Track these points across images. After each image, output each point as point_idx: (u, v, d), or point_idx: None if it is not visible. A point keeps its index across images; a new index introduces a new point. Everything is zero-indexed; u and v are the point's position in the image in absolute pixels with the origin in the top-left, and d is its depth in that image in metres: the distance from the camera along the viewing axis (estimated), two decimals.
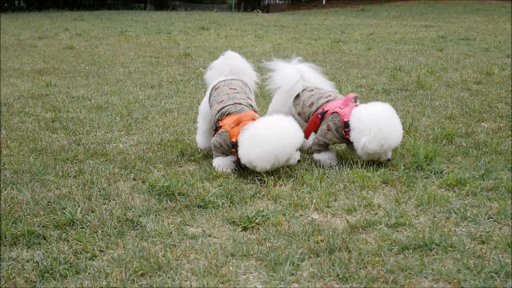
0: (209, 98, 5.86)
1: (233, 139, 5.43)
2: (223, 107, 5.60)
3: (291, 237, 4.24)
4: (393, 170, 5.58)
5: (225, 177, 5.33)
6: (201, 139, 6.05)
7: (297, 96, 6.05)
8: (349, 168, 5.60)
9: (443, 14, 26.95)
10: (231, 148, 5.45)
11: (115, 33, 17.76)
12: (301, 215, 4.65)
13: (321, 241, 4.17)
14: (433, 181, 5.34)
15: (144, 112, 7.71)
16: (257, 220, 4.49)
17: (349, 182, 5.27)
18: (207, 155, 5.92)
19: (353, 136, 5.67)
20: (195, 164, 5.78)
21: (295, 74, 6.10)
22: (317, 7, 36.09)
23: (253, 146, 5.23)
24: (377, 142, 5.54)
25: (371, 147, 5.56)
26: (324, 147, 5.84)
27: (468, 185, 5.17)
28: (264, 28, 19.77)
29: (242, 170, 5.58)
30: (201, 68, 11.05)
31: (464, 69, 11.06)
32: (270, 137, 5.25)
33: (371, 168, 5.62)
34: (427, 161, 5.73)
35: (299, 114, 5.98)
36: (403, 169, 5.58)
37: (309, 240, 4.18)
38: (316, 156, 5.86)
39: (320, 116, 5.81)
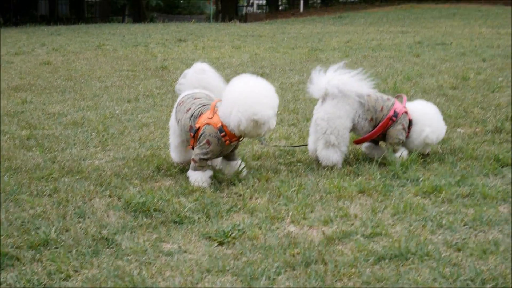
0: (176, 114, 5.85)
1: (218, 125, 5.43)
2: (194, 111, 5.62)
3: (267, 250, 4.23)
4: (369, 179, 5.58)
5: (201, 192, 5.31)
6: (174, 154, 6.03)
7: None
8: (325, 179, 5.60)
9: (420, 19, 27.06)
10: (220, 133, 5.44)
11: (92, 47, 17.70)
12: (278, 228, 4.64)
13: (297, 254, 4.16)
14: (409, 189, 5.35)
15: (120, 127, 7.67)
16: (233, 235, 4.47)
17: (325, 193, 5.26)
18: (183, 169, 5.89)
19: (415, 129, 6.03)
20: (171, 179, 5.75)
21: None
22: (295, 15, 36.16)
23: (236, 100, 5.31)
24: (437, 135, 6.08)
25: (432, 138, 6.04)
26: None
27: (444, 192, 5.19)
28: (241, 38, 19.77)
29: (219, 183, 5.56)
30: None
31: (440, 74, 11.11)
32: (252, 92, 5.35)
33: (348, 178, 5.63)
34: (403, 169, 5.74)
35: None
36: (380, 178, 5.59)
37: (285, 253, 4.17)
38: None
39: None
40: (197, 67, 6.14)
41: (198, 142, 5.54)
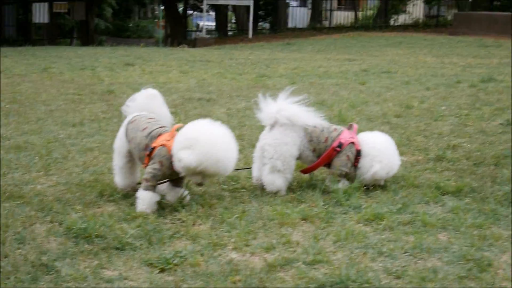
0: (126, 133, 5.85)
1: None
2: (152, 131, 5.65)
3: (208, 277, 4.23)
4: (312, 206, 5.62)
5: (144, 218, 5.28)
6: (118, 178, 6.00)
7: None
8: (268, 206, 5.63)
9: (366, 47, 27.38)
10: (171, 160, 5.42)
11: (38, 69, 17.52)
12: (220, 255, 4.64)
13: (238, 281, 4.17)
14: (352, 217, 5.40)
15: (64, 152, 7.61)
16: (175, 261, 4.47)
17: (268, 220, 5.28)
18: (126, 195, 5.87)
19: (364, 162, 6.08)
20: (114, 205, 5.71)
21: None
22: (244, 41, 36.29)
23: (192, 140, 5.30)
24: (387, 170, 6.10)
25: (381, 174, 6.06)
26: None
27: (385, 219, 5.25)
28: (189, 63, 19.77)
29: (162, 209, 5.54)
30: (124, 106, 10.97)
31: (385, 102, 11.25)
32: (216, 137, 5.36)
33: (291, 204, 5.66)
34: (346, 196, 5.79)
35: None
36: (322, 205, 5.63)
37: (226, 281, 4.17)
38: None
39: None
40: (148, 93, 6.16)
41: (152, 161, 5.54)
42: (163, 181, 5.64)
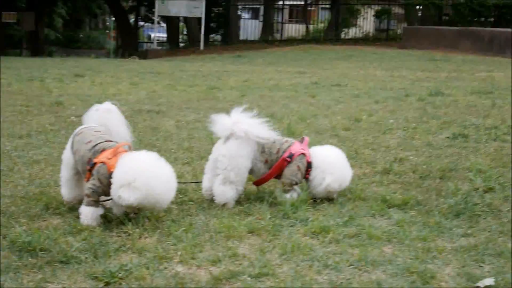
0: (72, 145, 5.81)
1: (112, 170, 5.36)
2: (95, 145, 5.58)
3: None
4: (259, 219, 5.63)
5: (90, 231, 5.24)
6: (65, 190, 5.94)
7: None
8: (215, 218, 5.62)
9: (317, 60, 27.56)
10: (109, 179, 5.38)
11: None
12: (166, 268, 4.62)
13: None
14: (298, 229, 5.42)
15: (10, 164, 7.51)
16: (120, 275, 4.44)
17: (215, 233, 5.28)
18: (73, 208, 5.81)
19: (315, 174, 6.12)
20: (60, 218, 5.65)
21: None
22: (195, 53, 36.28)
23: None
24: (339, 183, 6.17)
25: (334, 187, 6.10)
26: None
27: (331, 232, 5.28)
28: (140, 75, 19.70)
29: (108, 222, 5.51)
30: (72, 117, 10.89)
31: (334, 115, 11.33)
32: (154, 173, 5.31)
33: (238, 217, 5.67)
34: (293, 209, 5.82)
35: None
36: (270, 218, 5.65)
37: None
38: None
39: None
40: (104, 107, 6.12)
41: (92, 177, 5.50)
42: (107, 198, 5.58)
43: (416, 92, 14.74)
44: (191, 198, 6.31)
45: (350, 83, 17.19)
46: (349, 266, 4.66)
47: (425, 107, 12.22)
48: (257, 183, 6.35)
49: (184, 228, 5.34)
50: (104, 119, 6.06)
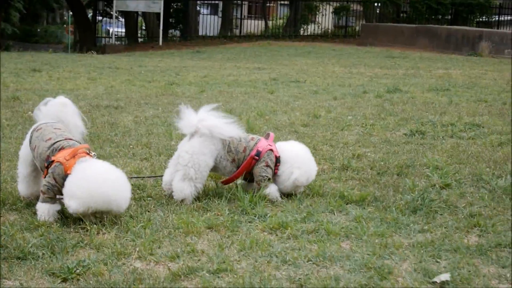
0: (30, 141, 5.75)
1: (68, 171, 5.31)
2: (55, 143, 5.51)
3: (111, 287, 4.19)
4: (218, 215, 5.64)
5: (47, 227, 5.20)
6: (22, 186, 5.89)
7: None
8: (174, 214, 5.61)
9: (276, 56, 27.61)
10: (64, 180, 5.33)
11: None
12: (124, 264, 4.61)
13: None
14: (257, 225, 5.44)
15: None
16: (77, 271, 4.41)
17: (174, 228, 5.27)
18: (30, 204, 5.76)
19: (284, 169, 6.20)
20: (17, 214, 5.60)
21: None
22: (154, 48, 36.13)
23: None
24: (307, 176, 6.24)
25: (301, 181, 6.17)
26: None
27: (289, 228, 5.30)
28: (98, 70, 19.56)
29: (66, 218, 5.47)
30: (29, 112, 10.76)
31: (292, 111, 11.36)
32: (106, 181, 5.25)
33: (197, 213, 5.67)
34: (251, 205, 5.83)
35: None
36: (228, 214, 5.65)
37: None
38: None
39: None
40: (59, 101, 6.04)
41: (48, 175, 5.45)
42: (61, 197, 5.53)
43: (374, 89, 14.85)
44: (149, 194, 6.29)
45: (308, 79, 17.26)
46: (307, 261, 4.68)
47: (383, 104, 12.32)
48: (226, 182, 6.35)
49: (142, 224, 5.33)
50: (60, 113, 6.00)
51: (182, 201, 5.99)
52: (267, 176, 6.18)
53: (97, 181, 5.20)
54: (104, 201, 5.20)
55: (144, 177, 6.75)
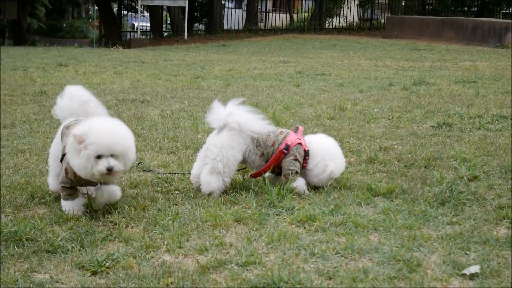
0: (62, 138, 5.76)
1: None
2: None
3: (141, 280, 4.21)
4: (245, 208, 5.64)
5: (76, 220, 5.24)
6: (52, 181, 5.92)
7: None
8: (202, 208, 5.63)
9: (301, 49, 27.57)
10: None
11: None
12: (152, 257, 4.63)
13: (171, 283, 4.17)
14: (285, 218, 5.44)
15: None
16: (107, 264, 4.44)
17: (202, 222, 5.28)
18: (59, 197, 5.78)
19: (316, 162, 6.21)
20: (46, 207, 5.64)
21: None
22: (179, 42, 36.20)
23: None
24: (339, 169, 6.30)
25: (336, 173, 6.22)
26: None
27: (317, 221, 5.29)
28: (124, 64, 19.65)
29: (94, 212, 5.50)
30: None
31: (318, 104, 11.34)
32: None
33: (224, 206, 5.67)
34: (279, 198, 5.83)
35: None
36: (256, 207, 5.66)
37: (159, 283, 4.17)
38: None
39: None
40: (82, 98, 6.01)
41: (62, 169, 5.49)
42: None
43: (400, 81, 14.78)
44: (177, 187, 6.31)
45: (334, 72, 17.22)
46: (335, 254, 4.67)
47: (409, 96, 12.26)
48: (254, 175, 6.36)
49: (170, 217, 5.34)
50: (84, 109, 5.97)
51: (209, 194, 6.00)
52: (295, 170, 6.17)
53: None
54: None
55: (171, 173, 6.77)
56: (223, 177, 6.03)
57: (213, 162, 6.01)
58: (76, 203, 5.46)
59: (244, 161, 6.21)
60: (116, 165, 5.16)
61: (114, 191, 5.57)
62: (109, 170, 5.15)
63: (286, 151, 6.15)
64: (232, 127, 6.04)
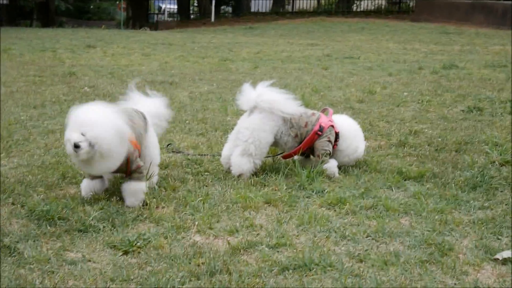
0: None
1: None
2: None
3: (172, 260, 4.23)
4: (275, 190, 5.64)
5: (107, 200, 5.26)
6: None
7: None
8: (232, 189, 5.63)
9: (329, 32, 27.46)
10: None
11: None
12: (183, 238, 4.64)
13: (202, 263, 4.17)
14: (315, 201, 5.43)
15: (25, 134, 7.53)
16: (138, 244, 4.45)
17: (232, 203, 5.28)
18: None
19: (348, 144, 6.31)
20: (77, 187, 5.66)
21: None
22: (206, 25, 36.17)
23: None
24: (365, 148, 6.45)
25: (362, 154, 6.42)
26: None
27: (348, 204, 5.28)
28: (151, 46, 19.68)
29: None
30: (85, 88, 10.91)
31: (347, 87, 11.30)
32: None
33: (254, 188, 5.67)
34: (309, 181, 5.81)
35: None
36: (286, 189, 5.65)
37: (190, 263, 4.17)
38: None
39: None
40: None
41: None
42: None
43: (429, 65, 14.68)
44: (206, 169, 6.31)
45: (362, 55, 17.14)
46: (366, 237, 4.66)
47: (439, 80, 12.17)
48: (286, 156, 6.34)
49: (200, 198, 5.35)
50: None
51: (239, 176, 5.99)
52: (328, 150, 6.16)
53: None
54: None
55: (201, 154, 6.77)
56: (254, 159, 6.02)
57: (244, 144, 6.00)
58: (92, 184, 5.42)
59: (275, 143, 6.19)
60: (82, 145, 4.94)
61: (136, 190, 5.32)
62: (76, 147, 4.96)
63: (320, 133, 6.13)
64: (263, 108, 6.02)
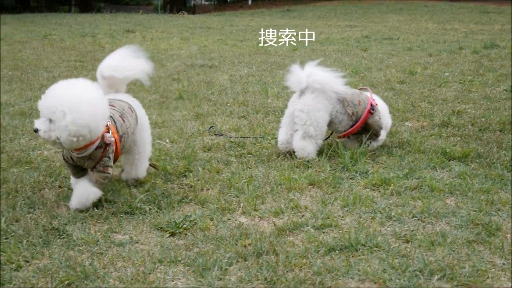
0: None
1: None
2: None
3: (218, 241, 4.25)
4: (319, 172, 5.64)
5: (152, 183, 5.30)
6: None
7: None
8: (275, 171, 5.64)
9: (367, 14, 27.29)
10: None
11: (39, 36, 17.48)
12: (229, 219, 4.66)
13: (248, 245, 4.19)
14: (359, 182, 5.41)
15: None
16: (184, 225, 4.48)
17: (276, 185, 5.29)
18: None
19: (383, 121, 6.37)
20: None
21: None
22: (243, 8, 36.16)
23: None
24: None
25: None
26: None
27: (392, 184, 5.26)
28: (190, 30, 19.72)
29: (169, 174, 5.55)
30: None
31: (387, 68, 11.23)
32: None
33: (298, 170, 5.67)
34: (352, 162, 5.80)
35: None
36: (329, 170, 5.64)
37: (236, 244, 4.19)
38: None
39: None
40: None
41: None
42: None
43: (470, 45, 14.54)
44: (249, 151, 6.32)
45: (401, 36, 17.02)
46: (412, 218, 4.64)
47: (481, 60, 12.05)
48: (346, 134, 6.30)
49: (245, 180, 5.37)
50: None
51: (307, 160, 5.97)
52: (381, 128, 6.23)
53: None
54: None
55: (243, 137, 6.79)
56: (316, 139, 6.01)
57: (303, 128, 5.97)
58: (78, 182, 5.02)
59: (330, 122, 6.16)
60: (41, 128, 4.74)
61: (88, 193, 4.87)
62: (35, 131, 4.78)
63: (372, 111, 6.14)
64: (314, 88, 5.99)
